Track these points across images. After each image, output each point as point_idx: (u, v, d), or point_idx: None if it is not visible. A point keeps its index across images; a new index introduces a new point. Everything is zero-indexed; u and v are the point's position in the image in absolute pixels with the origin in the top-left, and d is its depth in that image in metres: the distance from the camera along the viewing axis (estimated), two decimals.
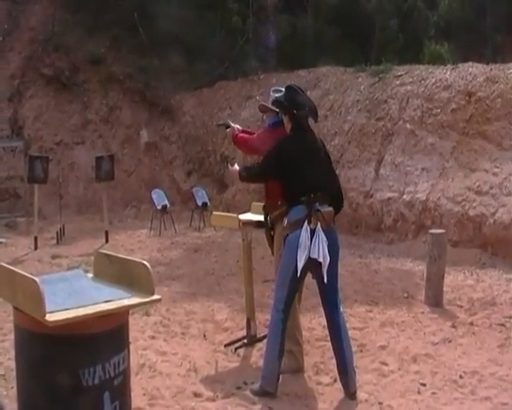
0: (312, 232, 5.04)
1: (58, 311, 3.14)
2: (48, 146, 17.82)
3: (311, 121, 5.48)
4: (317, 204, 5.11)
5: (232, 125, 6.53)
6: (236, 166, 5.97)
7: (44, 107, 18.45)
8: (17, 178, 17.20)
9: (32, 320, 3.16)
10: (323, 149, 5.55)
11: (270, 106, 6.00)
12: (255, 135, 6.36)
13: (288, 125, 5.43)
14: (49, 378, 3.22)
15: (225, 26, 19.81)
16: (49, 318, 3.07)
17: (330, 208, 5.24)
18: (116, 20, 19.35)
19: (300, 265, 5.03)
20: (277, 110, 5.72)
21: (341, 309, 5.37)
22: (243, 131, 6.48)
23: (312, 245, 5.02)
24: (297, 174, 5.17)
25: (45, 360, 3.22)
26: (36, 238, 12.88)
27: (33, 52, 18.93)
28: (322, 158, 5.45)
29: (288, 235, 5.19)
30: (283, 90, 5.73)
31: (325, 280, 5.13)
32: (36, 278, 3.15)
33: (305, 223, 5.05)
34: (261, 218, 6.07)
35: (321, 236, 5.05)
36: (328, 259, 5.06)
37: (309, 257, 5.03)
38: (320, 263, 5.06)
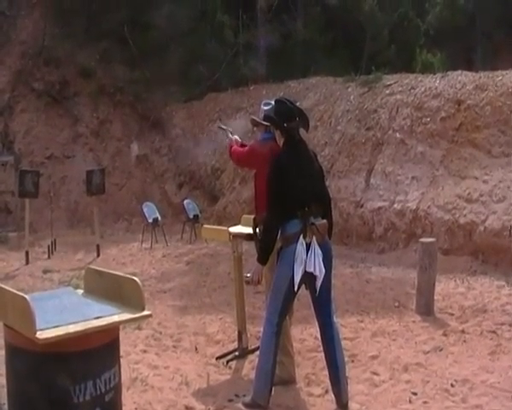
0: (308, 246, 5.03)
1: (49, 328, 3.14)
2: (39, 160, 17.78)
3: (302, 132, 5.38)
4: (312, 217, 5.10)
5: (230, 136, 6.54)
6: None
7: (35, 121, 18.41)
8: (8, 192, 17.12)
9: (22, 338, 3.16)
10: (316, 160, 5.51)
11: (260, 120, 5.98)
12: (246, 148, 6.36)
13: (280, 139, 5.33)
14: (40, 395, 3.22)
15: (216, 37, 19.84)
16: (40, 335, 3.07)
17: (324, 221, 5.23)
18: (106, 33, 19.33)
19: (297, 279, 5.01)
20: (268, 125, 5.70)
21: (335, 319, 5.37)
22: (242, 145, 6.47)
23: (308, 259, 5.00)
24: (292, 188, 5.09)
25: (36, 376, 3.22)
26: (27, 253, 12.86)
27: (24, 66, 18.89)
28: (315, 169, 5.40)
29: (281, 248, 5.17)
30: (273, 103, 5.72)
31: (319, 292, 5.13)
32: (26, 296, 3.16)
33: (301, 237, 5.03)
34: (251, 230, 6.07)
35: (316, 249, 5.04)
36: (324, 272, 5.07)
37: (305, 271, 5.02)
38: (315, 276, 5.06)
